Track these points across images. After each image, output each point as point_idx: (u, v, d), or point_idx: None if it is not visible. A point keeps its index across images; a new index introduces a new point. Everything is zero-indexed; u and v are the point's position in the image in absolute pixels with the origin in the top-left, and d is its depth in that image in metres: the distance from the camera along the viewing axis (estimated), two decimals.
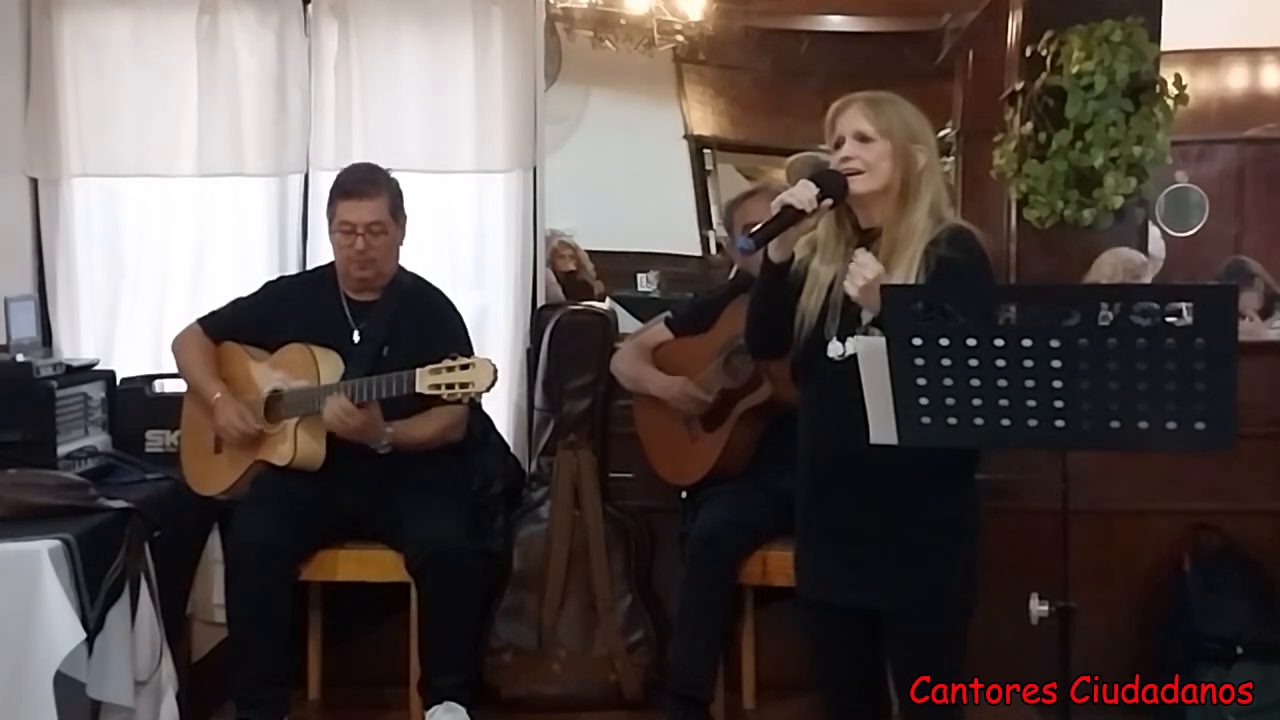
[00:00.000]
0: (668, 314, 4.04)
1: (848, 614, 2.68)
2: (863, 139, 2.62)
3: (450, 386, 3.37)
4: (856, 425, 2.51)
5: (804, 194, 2.54)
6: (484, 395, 3.54)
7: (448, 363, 3.38)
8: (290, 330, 3.78)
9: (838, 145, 2.65)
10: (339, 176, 3.85)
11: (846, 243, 2.66)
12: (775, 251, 2.62)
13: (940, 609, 2.64)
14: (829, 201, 2.58)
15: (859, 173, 2.60)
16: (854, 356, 2.53)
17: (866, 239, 2.64)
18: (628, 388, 4.02)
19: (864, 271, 2.49)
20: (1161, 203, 7.53)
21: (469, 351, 3.76)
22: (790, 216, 2.55)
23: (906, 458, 2.46)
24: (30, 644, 2.89)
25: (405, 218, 3.81)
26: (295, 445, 3.64)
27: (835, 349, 2.61)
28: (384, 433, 3.62)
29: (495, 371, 3.37)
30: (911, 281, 2.52)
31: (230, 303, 3.93)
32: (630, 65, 9.22)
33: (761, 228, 2.57)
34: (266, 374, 3.76)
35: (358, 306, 3.81)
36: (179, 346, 3.88)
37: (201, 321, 3.89)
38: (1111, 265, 4.77)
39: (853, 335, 2.57)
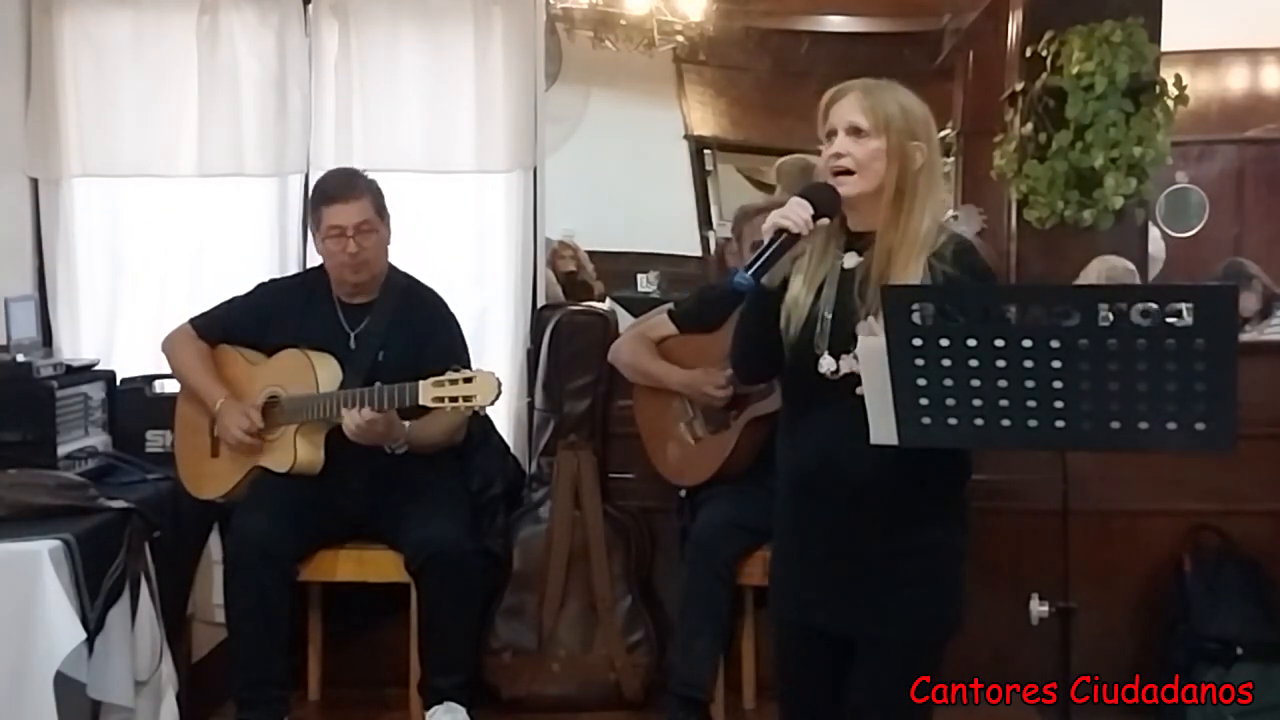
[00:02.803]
0: (670, 306, 4.02)
1: (823, 636, 2.52)
2: (856, 132, 2.40)
3: (454, 399, 3.35)
4: (850, 445, 2.38)
5: (799, 215, 2.35)
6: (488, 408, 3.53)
7: (450, 375, 3.36)
8: (285, 334, 3.78)
9: (830, 135, 2.44)
10: (317, 184, 3.84)
11: (835, 245, 2.47)
12: (770, 278, 2.41)
13: (920, 638, 2.48)
14: (825, 220, 2.40)
15: (849, 172, 2.40)
16: (850, 375, 2.38)
17: (855, 241, 2.46)
18: (631, 379, 3.99)
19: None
20: (1162, 203, 7.53)
21: (465, 355, 3.77)
22: (788, 242, 2.36)
23: (897, 480, 2.38)
24: (30, 644, 2.89)
25: (389, 217, 3.80)
26: (295, 453, 3.64)
27: (827, 364, 2.42)
28: (403, 432, 3.62)
29: (499, 385, 3.36)
30: None
31: (223, 304, 3.91)
32: (630, 65, 9.21)
33: (761, 261, 2.35)
34: (263, 378, 3.75)
35: (352, 310, 3.80)
36: (172, 348, 3.87)
37: (194, 323, 3.87)
38: (1097, 273, 4.78)
39: (847, 353, 2.39)
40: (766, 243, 2.37)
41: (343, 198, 3.71)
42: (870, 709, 2.50)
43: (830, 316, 2.42)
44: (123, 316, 4.41)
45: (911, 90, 2.51)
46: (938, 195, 2.49)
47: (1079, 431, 2.23)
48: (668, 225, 9.59)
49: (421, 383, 3.39)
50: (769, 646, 3.95)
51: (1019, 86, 5.14)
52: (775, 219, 2.36)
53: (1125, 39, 4.72)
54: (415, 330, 3.78)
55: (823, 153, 2.47)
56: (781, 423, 2.61)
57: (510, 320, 4.37)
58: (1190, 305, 2.13)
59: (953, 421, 2.26)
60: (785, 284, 2.45)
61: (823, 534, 2.48)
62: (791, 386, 2.55)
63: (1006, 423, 2.24)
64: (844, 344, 2.41)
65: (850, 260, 2.45)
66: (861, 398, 2.34)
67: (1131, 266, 4.85)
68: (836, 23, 9.32)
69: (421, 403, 3.40)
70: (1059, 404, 2.21)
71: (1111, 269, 4.79)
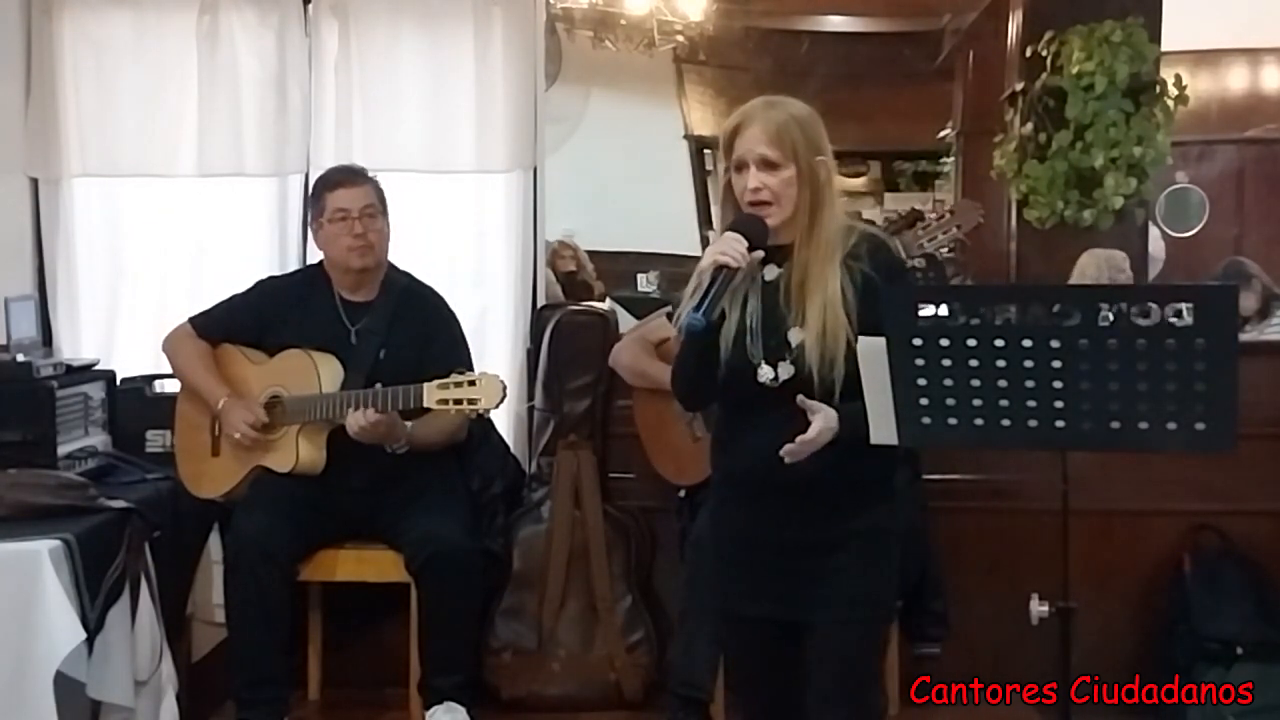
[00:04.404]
0: (669, 308, 4.02)
1: (771, 626, 2.61)
2: (769, 166, 2.51)
3: (458, 402, 3.36)
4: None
5: (736, 250, 2.45)
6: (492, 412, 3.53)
7: (455, 378, 3.37)
8: (286, 332, 3.77)
9: (739, 168, 2.53)
10: (320, 177, 3.90)
11: (755, 259, 2.54)
12: (714, 311, 2.48)
13: (866, 616, 2.58)
14: (759, 253, 2.50)
15: (768, 204, 2.50)
16: (788, 382, 2.47)
17: (773, 254, 2.54)
18: (630, 382, 4.01)
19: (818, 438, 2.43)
20: (1162, 203, 7.52)
21: (467, 355, 3.77)
22: (729, 276, 2.44)
23: (836, 475, 2.47)
24: (30, 644, 2.89)
25: (389, 214, 3.82)
26: (296, 453, 3.64)
27: (766, 374, 2.51)
28: (404, 432, 3.62)
29: (504, 389, 3.38)
30: (838, 298, 2.45)
31: (223, 302, 3.91)
32: (630, 65, 9.22)
33: (708, 299, 2.42)
34: (265, 378, 3.75)
35: (352, 307, 3.80)
36: (172, 347, 3.87)
37: (193, 321, 3.87)
38: (1095, 266, 4.77)
39: (783, 360, 2.48)
40: (710, 280, 2.44)
41: (348, 182, 3.77)
42: (828, 688, 2.57)
43: (759, 328, 2.52)
44: (123, 316, 4.41)
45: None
46: (839, 196, 2.61)
47: (1079, 431, 2.23)
48: (668, 225, 9.59)
49: (425, 385, 3.40)
50: None
51: (1019, 86, 5.14)
52: (715, 257, 2.45)
53: (1125, 39, 4.72)
54: (417, 329, 3.78)
55: (734, 184, 2.55)
56: (719, 431, 2.68)
57: (510, 320, 4.37)
58: (1190, 305, 2.13)
59: (953, 421, 2.27)
60: (723, 315, 2.53)
61: (769, 531, 2.57)
62: (731, 398, 2.62)
63: (1006, 423, 2.25)
64: (778, 352, 2.51)
65: (771, 272, 2.55)
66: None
67: (1123, 254, 4.84)
68: (836, 23, 9.32)
69: (425, 405, 3.41)
70: (1059, 404, 2.21)
71: (1109, 258, 4.79)
